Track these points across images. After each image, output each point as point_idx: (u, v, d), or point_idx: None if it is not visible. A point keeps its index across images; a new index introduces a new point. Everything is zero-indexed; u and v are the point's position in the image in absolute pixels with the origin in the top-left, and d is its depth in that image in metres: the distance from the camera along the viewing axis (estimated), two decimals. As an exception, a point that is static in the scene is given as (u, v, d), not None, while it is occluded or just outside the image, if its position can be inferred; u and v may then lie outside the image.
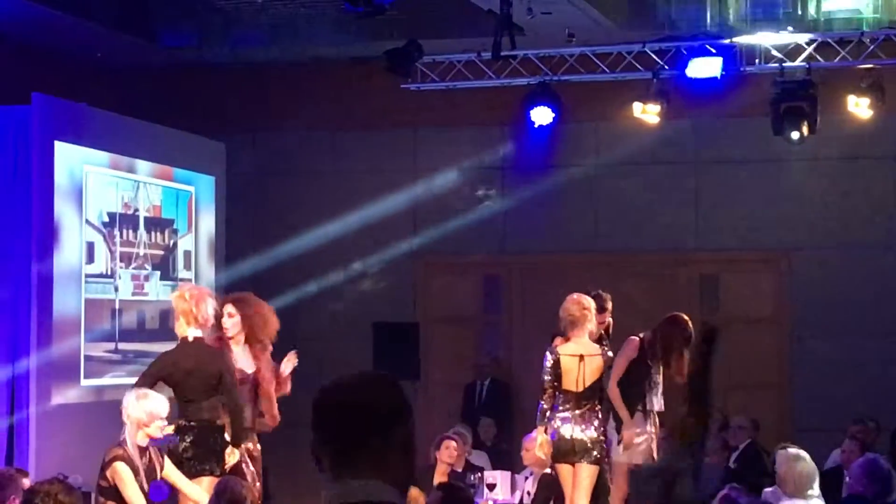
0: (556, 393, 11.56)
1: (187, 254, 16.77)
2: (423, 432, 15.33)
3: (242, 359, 10.93)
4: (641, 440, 11.63)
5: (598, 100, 16.21)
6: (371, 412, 3.50)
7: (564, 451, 11.50)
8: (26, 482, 9.21)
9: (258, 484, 10.94)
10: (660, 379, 11.90)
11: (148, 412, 9.15)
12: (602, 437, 11.39)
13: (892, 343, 16.07)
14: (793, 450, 10.20)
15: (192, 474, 10.16)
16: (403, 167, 17.38)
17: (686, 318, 12.15)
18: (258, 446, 11.06)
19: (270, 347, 11.09)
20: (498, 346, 17.63)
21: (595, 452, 11.36)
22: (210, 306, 10.62)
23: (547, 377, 11.60)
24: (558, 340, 11.69)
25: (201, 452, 10.30)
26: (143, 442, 9.16)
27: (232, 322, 10.91)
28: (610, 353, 11.73)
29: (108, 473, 8.91)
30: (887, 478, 9.36)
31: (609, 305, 12.42)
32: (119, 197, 15.52)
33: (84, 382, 14.58)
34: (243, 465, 10.82)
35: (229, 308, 10.97)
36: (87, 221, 14.88)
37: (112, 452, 9.02)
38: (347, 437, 3.47)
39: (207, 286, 16.41)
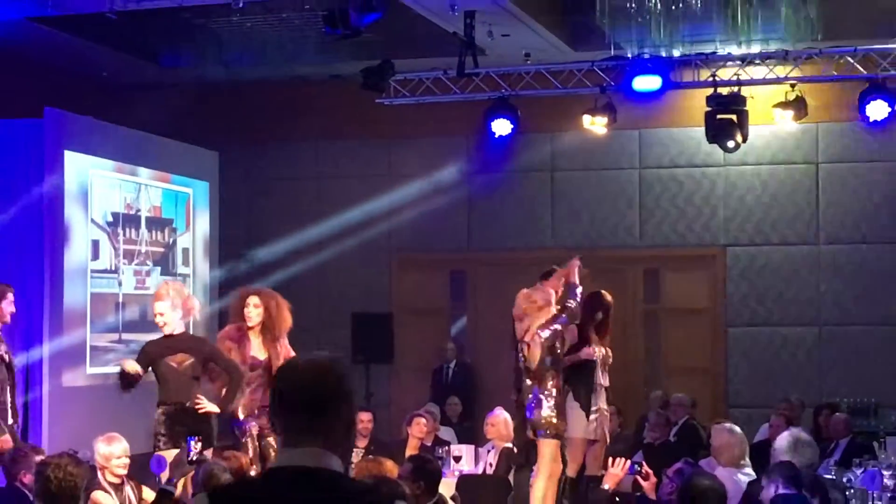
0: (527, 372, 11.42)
1: (185, 251, 16.70)
2: (396, 411, 15.34)
3: (256, 347, 10.94)
4: (594, 417, 11.55)
5: (551, 112, 16.17)
6: (320, 391, 3.50)
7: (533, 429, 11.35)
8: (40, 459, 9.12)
9: (255, 463, 10.89)
10: (603, 354, 11.76)
11: (103, 455, 8.92)
12: (554, 414, 11.21)
13: (814, 330, 16.09)
14: (726, 425, 10.18)
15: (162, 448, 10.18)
16: (379, 173, 17.35)
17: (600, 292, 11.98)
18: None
19: (281, 338, 11.05)
20: (463, 333, 17.60)
21: (548, 430, 11.20)
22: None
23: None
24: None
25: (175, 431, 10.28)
26: (115, 480, 8.91)
27: (256, 312, 10.91)
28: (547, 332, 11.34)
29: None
30: (810, 446, 9.34)
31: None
32: (122, 199, 15.45)
33: (90, 370, 14.50)
34: (249, 442, 10.80)
35: (255, 300, 10.97)
36: (93, 221, 14.81)
37: (91, 484, 8.72)
38: (299, 411, 3.47)
39: (203, 281, 16.38)
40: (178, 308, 10.65)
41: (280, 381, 3.58)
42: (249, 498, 3.52)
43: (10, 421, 10.61)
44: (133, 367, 10.35)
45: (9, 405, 10.69)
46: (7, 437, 10.41)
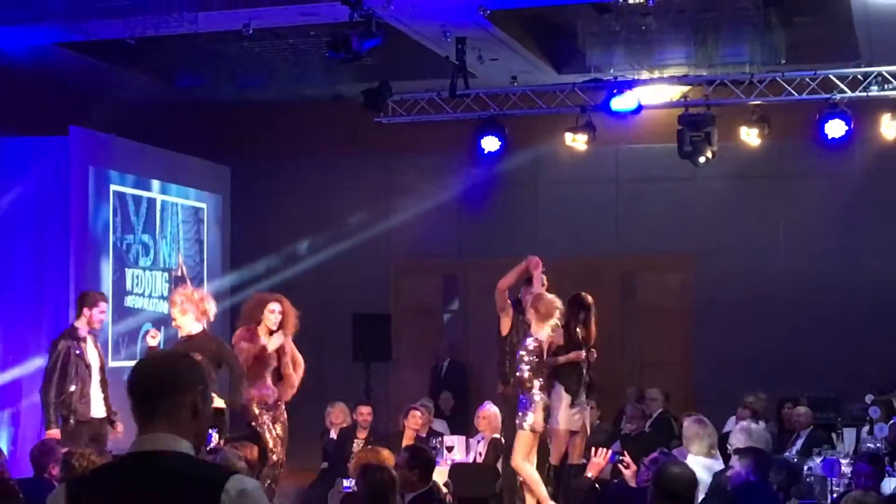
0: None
1: (201, 258, 16.70)
2: (394, 404, 15.34)
3: (274, 343, 11.02)
4: (575, 410, 11.55)
5: (536, 130, 16.20)
6: (164, 380, 3.49)
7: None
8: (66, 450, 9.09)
9: (278, 447, 10.95)
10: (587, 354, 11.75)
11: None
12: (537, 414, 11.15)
13: (776, 329, 16.12)
14: (697, 417, 10.20)
15: None
16: (377, 186, 17.39)
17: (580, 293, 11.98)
18: (284, 414, 11.07)
19: (289, 338, 11.13)
20: (456, 333, 17.61)
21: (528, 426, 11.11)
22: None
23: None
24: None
25: None
26: None
27: (275, 316, 11.02)
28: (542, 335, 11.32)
29: None
30: (763, 435, 9.40)
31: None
32: (143, 210, 15.45)
33: (112, 364, 14.48)
34: (266, 432, 10.84)
35: (276, 306, 11.07)
36: (115, 230, 14.80)
37: None
38: (143, 400, 3.47)
39: (217, 284, 16.37)
40: (189, 312, 10.70)
41: (130, 375, 3.56)
42: (101, 483, 3.50)
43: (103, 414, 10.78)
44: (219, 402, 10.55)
45: (96, 399, 10.78)
46: (56, 430, 10.47)
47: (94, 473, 3.74)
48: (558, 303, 11.06)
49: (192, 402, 3.47)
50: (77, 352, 10.88)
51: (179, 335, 10.75)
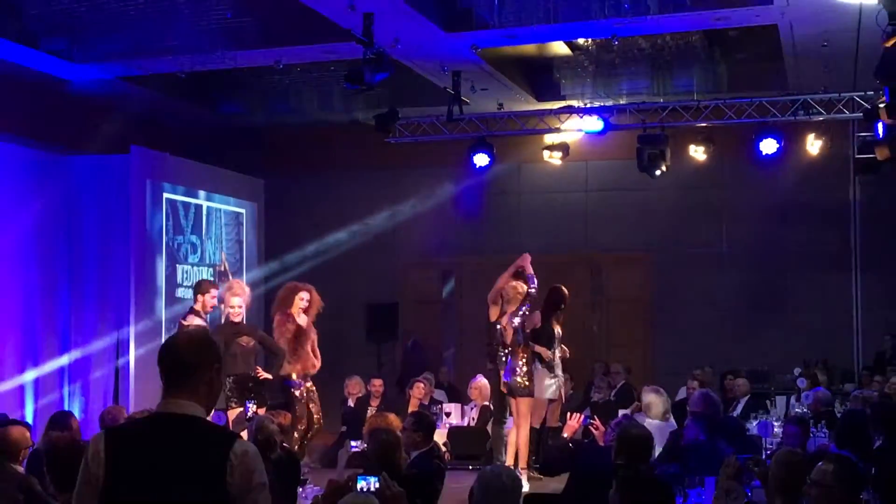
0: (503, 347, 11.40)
1: (240, 255, 16.72)
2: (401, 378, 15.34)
3: (301, 321, 11.05)
4: (552, 381, 11.56)
5: (519, 148, 16.24)
6: (191, 357, 3.57)
7: (507, 389, 11.35)
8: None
9: (315, 415, 11.00)
10: (558, 333, 11.77)
11: None
12: (526, 379, 11.20)
13: (720, 314, 16.15)
14: (653, 387, 10.23)
15: (234, 407, 10.27)
16: (387, 195, 17.37)
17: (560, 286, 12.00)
18: (312, 385, 11.12)
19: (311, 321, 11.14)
20: (453, 319, 17.62)
21: (522, 391, 11.17)
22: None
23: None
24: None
25: (242, 395, 10.35)
26: None
27: (303, 303, 11.07)
28: (517, 319, 11.36)
29: None
30: (716, 403, 9.41)
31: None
32: (191, 215, 15.47)
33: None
34: (309, 404, 10.87)
35: (305, 294, 11.12)
36: (167, 232, 14.82)
37: None
38: (175, 370, 3.55)
39: (252, 277, 16.39)
40: (245, 303, 10.79)
41: (163, 349, 3.63)
42: (134, 433, 3.62)
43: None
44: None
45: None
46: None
47: (130, 425, 3.82)
48: (521, 288, 11.14)
49: (209, 377, 3.57)
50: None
51: (231, 319, 10.70)
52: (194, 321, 10.38)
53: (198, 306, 10.63)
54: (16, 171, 13.80)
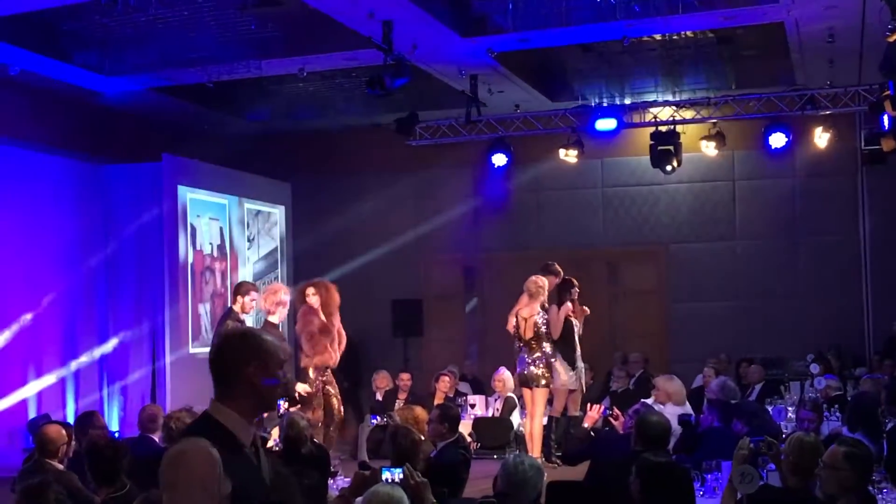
0: (519, 340, 11.47)
1: (273, 255, 16.79)
2: (426, 371, 15.39)
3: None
4: (573, 372, 11.58)
5: (536, 148, 16.20)
6: (224, 356, 3.32)
7: (523, 380, 11.43)
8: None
9: (337, 408, 10.91)
10: (577, 325, 11.81)
11: None
12: (546, 370, 11.27)
13: (733, 304, 16.09)
14: (670, 376, 10.23)
15: None
16: (409, 195, 17.37)
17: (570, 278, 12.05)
18: (332, 378, 11.04)
19: (335, 314, 10.97)
20: (474, 314, 17.61)
21: (542, 382, 11.27)
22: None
23: (512, 329, 11.57)
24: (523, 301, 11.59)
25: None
26: None
27: (314, 298, 10.86)
28: (543, 318, 11.44)
29: None
30: (733, 389, 9.39)
31: (556, 269, 12.13)
32: (226, 217, 15.54)
33: (191, 350, 14.55)
34: (330, 397, 10.80)
35: (311, 290, 10.93)
36: (200, 237, 14.89)
37: None
38: (211, 373, 3.32)
39: (282, 280, 16.41)
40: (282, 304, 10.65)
41: (211, 348, 3.42)
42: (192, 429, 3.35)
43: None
44: (303, 387, 10.55)
45: None
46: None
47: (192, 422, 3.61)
48: (541, 281, 11.25)
49: (247, 378, 3.27)
50: None
51: (268, 320, 10.62)
52: (229, 325, 10.33)
53: (237, 307, 10.54)
54: (53, 182, 13.92)
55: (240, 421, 3.25)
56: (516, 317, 11.50)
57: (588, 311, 12.07)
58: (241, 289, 10.72)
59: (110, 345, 14.26)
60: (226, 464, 3.11)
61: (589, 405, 8.99)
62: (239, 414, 3.25)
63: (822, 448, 5.36)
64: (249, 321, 10.69)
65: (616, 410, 8.67)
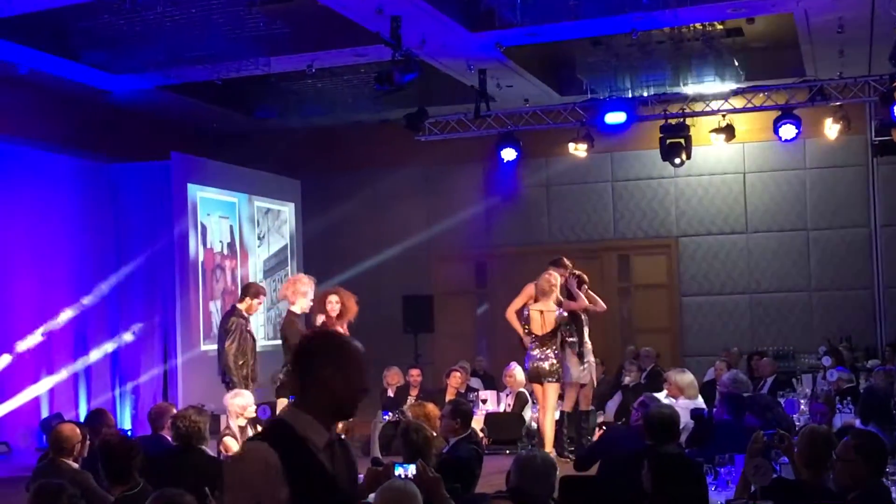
0: (531, 335, 11.44)
1: (283, 252, 16.81)
2: (437, 367, 15.39)
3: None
4: (585, 366, 11.56)
5: (545, 142, 16.17)
6: (298, 354, 3.24)
7: (533, 376, 11.42)
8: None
9: None
10: (586, 319, 11.78)
11: (240, 406, 8.67)
12: (558, 365, 11.25)
13: (745, 297, 16.07)
14: (682, 369, 10.19)
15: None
16: (419, 191, 17.39)
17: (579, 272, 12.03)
18: None
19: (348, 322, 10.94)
20: (485, 311, 17.61)
21: (552, 377, 11.25)
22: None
23: (524, 324, 11.53)
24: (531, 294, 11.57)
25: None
26: (243, 424, 8.62)
27: (336, 306, 10.61)
28: (564, 313, 11.44)
29: (220, 447, 8.55)
30: (745, 382, 9.37)
31: (566, 262, 12.09)
32: (236, 214, 15.56)
33: (203, 347, 14.54)
34: None
35: (334, 297, 10.74)
36: (210, 234, 14.91)
37: (222, 433, 8.58)
38: (293, 370, 3.25)
39: (292, 274, 16.41)
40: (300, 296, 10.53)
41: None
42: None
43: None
44: None
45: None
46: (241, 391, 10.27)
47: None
48: (553, 278, 11.24)
49: (322, 377, 3.17)
50: (248, 328, 10.66)
51: (291, 310, 10.49)
52: (240, 323, 10.32)
53: (242, 306, 10.52)
54: (62, 181, 13.95)
55: (313, 424, 3.16)
56: (528, 311, 11.46)
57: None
58: (250, 290, 10.69)
59: (122, 343, 14.29)
60: (290, 468, 3.05)
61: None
62: (314, 417, 3.17)
63: (834, 441, 5.35)
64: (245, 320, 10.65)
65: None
